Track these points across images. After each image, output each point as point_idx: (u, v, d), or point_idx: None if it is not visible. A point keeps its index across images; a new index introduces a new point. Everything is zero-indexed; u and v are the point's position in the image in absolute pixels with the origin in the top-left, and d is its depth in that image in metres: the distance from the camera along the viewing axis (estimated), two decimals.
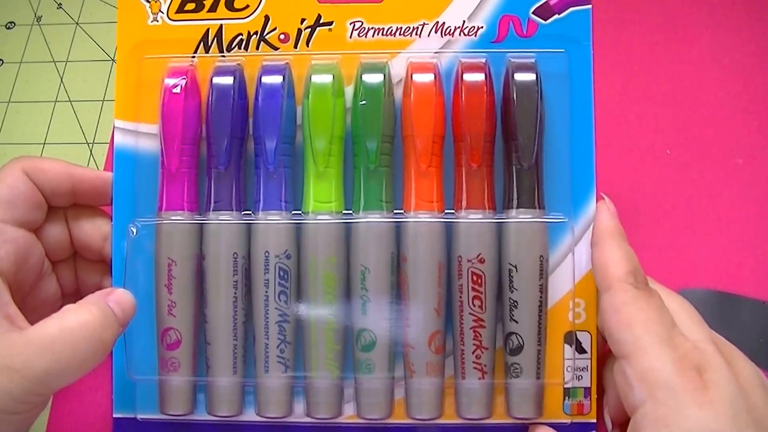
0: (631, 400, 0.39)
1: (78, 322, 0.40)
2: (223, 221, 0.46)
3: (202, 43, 0.48)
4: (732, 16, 0.61)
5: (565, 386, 0.47)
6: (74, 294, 0.49)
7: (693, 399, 0.37)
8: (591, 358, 0.46)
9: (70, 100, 0.66)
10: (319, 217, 0.46)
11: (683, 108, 0.59)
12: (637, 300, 0.41)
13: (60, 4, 0.70)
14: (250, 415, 0.47)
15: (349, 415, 0.47)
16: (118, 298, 0.42)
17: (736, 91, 0.59)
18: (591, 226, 0.46)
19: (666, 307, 0.41)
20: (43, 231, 0.46)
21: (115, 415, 0.48)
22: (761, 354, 0.41)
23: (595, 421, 0.46)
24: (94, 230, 0.47)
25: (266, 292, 0.46)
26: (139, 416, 0.48)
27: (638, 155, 0.57)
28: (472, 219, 0.45)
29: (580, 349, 0.46)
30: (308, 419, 0.47)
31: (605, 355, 0.47)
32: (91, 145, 0.64)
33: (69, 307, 0.41)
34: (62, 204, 0.47)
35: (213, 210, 0.46)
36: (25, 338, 0.39)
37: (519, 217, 0.45)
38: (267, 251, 0.45)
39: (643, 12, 0.62)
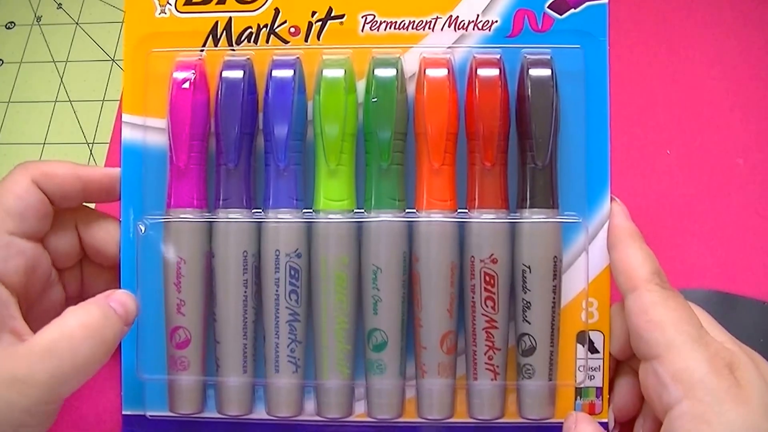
0: (666, 400, 0.37)
1: (78, 324, 0.38)
2: (233, 219, 0.43)
3: (210, 36, 0.45)
4: (733, 17, 0.60)
5: (577, 386, 0.44)
6: (79, 300, 0.45)
7: (729, 396, 0.35)
8: (603, 358, 0.44)
9: (70, 100, 0.64)
10: (330, 215, 0.43)
11: (683, 108, 0.57)
12: (665, 300, 0.39)
13: (60, 4, 0.68)
14: (260, 413, 0.45)
15: (359, 413, 0.45)
16: (119, 298, 0.41)
17: (737, 91, 0.57)
18: (605, 226, 0.43)
19: (691, 307, 0.39)
20: (51, 241, 0.44)
21: (124, 413, 0.45)
22: (761, 354, 0.40)
23: (607, 420, 0.44)
24: (107, 236, 0.45)
25: (277, 291, 0.43)
26: (149, 413, 0.45)
27: (638, 155, 0.55)
28: (485, 219, 0.43)
29: (593, 349, 0.44)
30: (318, 418, 0.44)
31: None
32: (91, 145, 0.62)
33: (69, 310, 0.39)
34: (71, 205, 0.45)
35: (222, 207, 0.43)
36: (26, 347, 0.37)
37: (533, 217, 0.42)
38: (278, 250, 0.43)
39: (642, 12, 0.60)
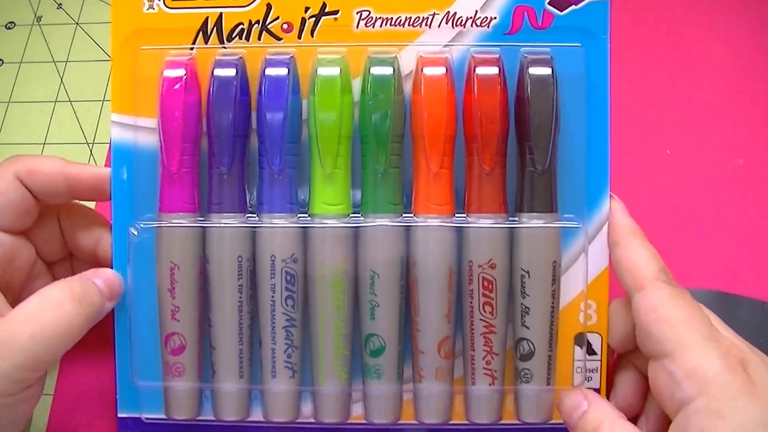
0: (679, 397, 0.35)
1: (60, 291, 0.37)
2: (228, 225, 0.39)
3: (200, 33, 0.41)
4: (733, 17, 0.56)
5: (575, 387, 0.40)
6: None
7: (744, 392, 0.33)
8: (601, 360, 0.41)
9: (70, 100, 0.59)
10: (326, 220, 0.39)
11: (683, 108, 0.53)
12: (674, 298, 0.36)
13: (60, 4, 0.64)
14: (256, 416, 0.41)
15: (356, 414, 0.41)
16: (103, 275, 0.39)
17: (736, 91, 0.53)
18: (604, 227, 0.40)
19: (699, 304, 0.37)
20: (35, 234, 0.42)
21: (119, 415, 0.42)
22: None
23: None
24: (85, 233, 0.42)
25: (273, 296, 0.39)
26: (144, 416, 0.42)
27: (638, 155, 0.52)
28: (484, 224, 0.39)
29: (591, 351, 0.41)
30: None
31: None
32: (91, 145, 0.58)
33: (52, 284, 0.38)
34: (59, 202, 0.42)
35: (216, 212, 0.40)
36: (9, 316, 0.36)
37: (532, 222, 0.39)
38: (273, 255, 0.39)
39: (642, 12, 0.56)
